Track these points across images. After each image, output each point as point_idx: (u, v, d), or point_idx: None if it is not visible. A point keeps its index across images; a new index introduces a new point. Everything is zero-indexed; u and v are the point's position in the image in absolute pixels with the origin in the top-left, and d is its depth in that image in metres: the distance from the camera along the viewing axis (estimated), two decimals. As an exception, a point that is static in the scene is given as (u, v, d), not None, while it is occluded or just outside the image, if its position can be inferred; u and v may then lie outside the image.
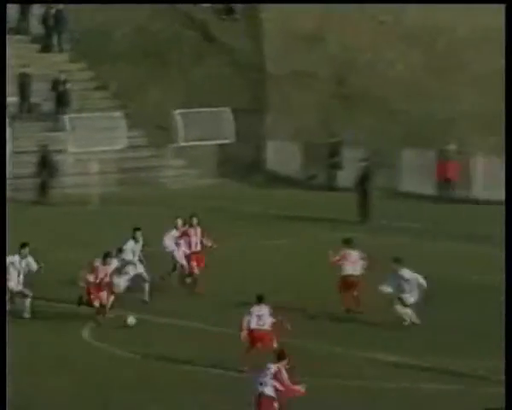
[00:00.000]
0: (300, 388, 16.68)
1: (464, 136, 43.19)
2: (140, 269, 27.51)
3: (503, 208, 38.81)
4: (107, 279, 25.94)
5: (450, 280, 28.94)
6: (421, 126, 44.14)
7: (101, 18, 49.36)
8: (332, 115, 45.69)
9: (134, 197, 40.35)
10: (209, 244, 28.60)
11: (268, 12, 48.06)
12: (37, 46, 46.08)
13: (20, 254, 24.84)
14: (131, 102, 45.56)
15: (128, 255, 27.61)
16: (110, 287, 26.16)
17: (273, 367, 16.67)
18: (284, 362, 16.81)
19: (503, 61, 45.56)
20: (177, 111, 44.02)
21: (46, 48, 45.19)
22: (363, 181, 38.49)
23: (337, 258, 25.72)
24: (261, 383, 16.80)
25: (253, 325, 21.61)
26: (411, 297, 22.78)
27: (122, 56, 47.37)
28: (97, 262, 26.02)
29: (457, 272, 30.06)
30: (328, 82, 46.77)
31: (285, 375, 16.73)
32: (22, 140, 41.29)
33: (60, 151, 41.16)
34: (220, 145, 44.47)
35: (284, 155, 46.08)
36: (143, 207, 38.54)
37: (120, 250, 26.88)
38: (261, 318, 22.15)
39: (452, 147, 42.18)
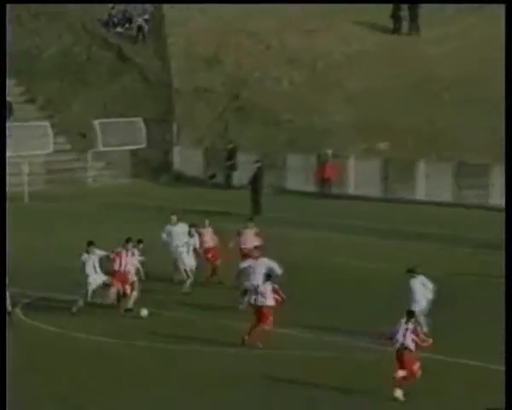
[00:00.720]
0: (430, 341, 18.41)
1: (339, 143, 44.35)
2: (192, 261, 27.48)
3: (374, 204, 41.67)
4: (128, 267, 24.96)
5: (322, 264, 31.21)
6: (303, 134, 45.30)
7: (31, 41, 50.70)
8: (228, 125, 47.66)
9: (60, 194, 42.63)
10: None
11: (173, 37, 50.18)
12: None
13: None
14: (57, 113, 48.18)
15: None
16: (130, 276, 24.96)
17: (410, 324, 18.09)
18: (413, 319, 18.40)
19: (374, 80, 47.04)
20: (97, 121, 45.82)
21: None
22: (256, 180, 40.85)
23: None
24: (402, 338, 18.07)
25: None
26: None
27: (49, 74, 49.68)
28: (120, 249, 25.07)
29: (331, 257, 32.15)
30: (225, 97, 48.40)
31: (419, 330, 18.72)
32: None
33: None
34: (134, 150, 46.60)
35: (189, 159, 47.39)
36: (68, 202, 41.07)
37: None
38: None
39: (329, 151, 44.05)
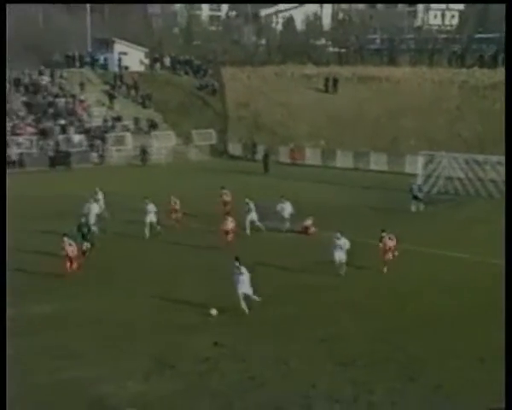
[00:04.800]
0: None
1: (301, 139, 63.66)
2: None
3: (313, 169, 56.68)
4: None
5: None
6: (285, 138, 64.34)
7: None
8: (252, 133, 67.03)
9: (181, 164, 60.93)
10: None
11: (229, 90, 72.59)
12: None
13: None
14: (176, 127, 67.45)
15: None
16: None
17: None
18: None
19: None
20: (194, 131, 65.60)
21: None
22: (265, 157, 58.99)
23: None
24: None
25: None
26: None
27: (173, 110, 69.39)
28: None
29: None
30: (252, 121, 68.41)
31: None
32: None
33: None
34: (211, 143, 66.51)
35: (235, 148, 67.41)
36: (184, 168, 59.11)
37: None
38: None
39: (294, 144, 62.16)
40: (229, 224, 31.30)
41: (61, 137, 63.47)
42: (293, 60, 79.01)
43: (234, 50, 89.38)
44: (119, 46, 79.88)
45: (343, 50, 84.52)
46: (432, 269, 29.38)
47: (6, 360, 14.90)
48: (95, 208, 33.75)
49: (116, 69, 76.62)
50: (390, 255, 27.91)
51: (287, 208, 35.09)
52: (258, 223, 35.36)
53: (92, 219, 33.20)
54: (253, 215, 34.90)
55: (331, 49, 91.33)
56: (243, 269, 22.88)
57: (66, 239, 27.51)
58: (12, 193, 33.59)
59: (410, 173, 48.20)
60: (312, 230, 35.41)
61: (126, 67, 77.28)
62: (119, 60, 77.60)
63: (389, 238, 28.08)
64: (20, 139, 61.61)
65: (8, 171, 55.90)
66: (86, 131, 65.30)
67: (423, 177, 45.59)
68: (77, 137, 64.03)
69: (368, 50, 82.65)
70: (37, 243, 33.02)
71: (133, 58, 78.90)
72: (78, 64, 76.97)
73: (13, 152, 60.33)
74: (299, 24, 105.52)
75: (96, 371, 19.50)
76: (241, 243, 31.36)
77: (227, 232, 31.07)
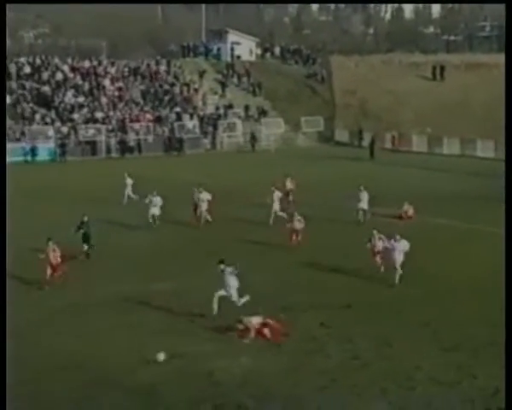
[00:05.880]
0: None
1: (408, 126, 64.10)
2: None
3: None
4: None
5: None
6: (387, 125, 64.27)
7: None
8: (358, 120, 66.90)
9: (290, 149, 63.74)
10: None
11: (336, 79, 73.13)
12: None
13: None
14: (285, 114, 68.09)
15: None
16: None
17: None
18: None
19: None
20: (303, 118, 65.94)
21: None
22: (372, 143, 59.82)
23: None
24: None
25: None
26: None
27: (283, 99, 70.25)
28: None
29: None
30: (359, 108, 69.12)
31: None
32: None
33: None
34: (318, 130, 69.77)
35: (341, 134, 67.93)
36: (296, 153, 64.06)
37: None
38: None
39: (396, 132, 62.14)
40: (298, 224, 29.51)
41: (175, 124, 64.57)
42: (401, 48, 77.86)
43: (342, 39, 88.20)
44: (232, 36, 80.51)
45: (452, 38, 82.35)
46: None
47: (6, 360, 14.15)
48: (158, 201, 33.47)
49: (228, 59, 77.44)
50: (378, 258, 25.87)
51: (364, 198, 34.60)
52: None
53: (156, 211, 33.17)
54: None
55: (440, 37, 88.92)
56: (228, 270, 21.22)
57: (50, 244, 24.41)
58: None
59: (518, 161, 46.95)
60: (409, 214, 35.04)
61: (238, 57, 77.99)
62: (232, 50, 78.40)
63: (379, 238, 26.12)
64: (138, 126, 63.04)
65: (126, 156, 59.28)
66: (199, 119, 66.28)
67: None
68: (190, 124, 65.11)
69: (477, 38, 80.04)
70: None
71: (245, 48, 79.58)
72: (192, 54, 78.25)
73: (130, 138, 61.90)
74: (408, 12, 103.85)
75: (210, 347, 19.74)
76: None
77: (295, 232, 29.30)
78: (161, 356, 18.01)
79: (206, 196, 33.58)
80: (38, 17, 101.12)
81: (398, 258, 24.57)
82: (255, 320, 19.64)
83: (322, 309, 22.52)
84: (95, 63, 69.89)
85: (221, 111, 68.44)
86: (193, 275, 26.29)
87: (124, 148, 60.97)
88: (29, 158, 57.52)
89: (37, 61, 67.90)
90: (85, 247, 27.63)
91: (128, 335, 20.48)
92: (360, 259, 26.26)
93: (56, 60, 68.79)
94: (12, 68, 65.58)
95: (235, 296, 21.32)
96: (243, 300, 21.26)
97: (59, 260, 24.18)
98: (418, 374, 17.96)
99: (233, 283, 21.07)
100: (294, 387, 17.42)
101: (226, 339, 19.94)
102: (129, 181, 38.15)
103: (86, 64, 69.19)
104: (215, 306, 21.26)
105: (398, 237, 24.89)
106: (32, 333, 20.69)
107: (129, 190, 37.90)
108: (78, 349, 19.43)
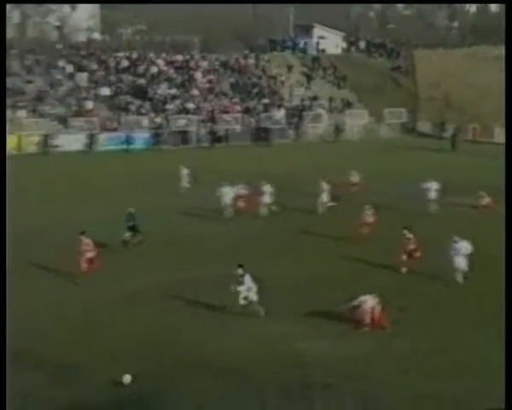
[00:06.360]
0: None
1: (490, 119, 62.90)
2: None
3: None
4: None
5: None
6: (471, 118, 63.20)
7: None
8: (441, 112, 65.32)
9: (372, 140, 63.96)
10: None
11: (419, 73, 73.36)
12: None
13: None
14: (369, 107, 67.75)
15: None
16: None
17: None
18: None
19: None
20: (386, 109, 65.63)
21: None
22: (454, 135, 59.55)
23: None
24: None
25: None
26: None
27: (368, 91, 69.85)
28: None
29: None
30: (442, 101, 67.03)
31: None
32: None
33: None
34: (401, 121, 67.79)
35: (423, 125, 66.52)
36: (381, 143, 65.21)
37: None
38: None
39: (477, 124, 66.25)
40: (369, 218, 28.60)
41: (263, 115, 64.96)
42: (486, 41, 75.84)
43: (427, 33, 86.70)
44: (318, 31, 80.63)
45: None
46: None
47: (6, 360, 13.81)
48: (229, 192, 33.18)
49: (314, 52, 77.50)
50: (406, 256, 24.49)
51: (434, 188, 34.13)
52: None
53: (227, 201, 32.86)
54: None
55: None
56: (247, 278, 20.48)
57: (83, 238, 23.83)
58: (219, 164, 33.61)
59: None
60: (484, 203, 34.69)
61: (323, 50, 77.94)
62: (318, 44, 78.48)
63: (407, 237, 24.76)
64: (227, 117, 63.67)
65: (215, 145, 59.96)
66: (286, 110, 66.38)
67: None
68: (277, 115, 65.30)
69: None
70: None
71: (330, 42, 79.51)
72: (280, 48, 78.59)
73: (220, 128, 62.51)
74: (494, 6, 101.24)
75: (299, 329, 19.87)
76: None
77: (366, 225, 28.27)
78: (127, 378, 16.50)
79: (268, 188, 33.78)
80: (136, 16, 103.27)
81: (460, 261, 23.19)
82: (370, 301, 19.26)
83: (399, 296, 22.27)
84: (187, 57, 71.05)
85: (306, 103, 68.56)
86: (274, 260, 26.31)
87: (213, 137, 61.58)
88: (125, 146, 58.51)
89: (134, 55, 69.50)
90: (129, 235, 27.64)
91: (216, 318, 20.55)
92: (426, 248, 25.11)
93: (152, 54, 70.23)
94: (111, 63, 67.57)
95: (255, 298, 20.74)
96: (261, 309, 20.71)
97: (93, 252, 23.79)
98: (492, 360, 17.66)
99: (252, 285, 20.50)
100: (378, 369, 17.42)
101: (315, 322, 19.94)
102: (185, 171, 38.46)
103: (179, 58, 70.47)
104: (242, 302, 20.56)
105: (456, 238, 23.47)
106: (108, 316, 20.85)
107: (185, 181, 38.21)
108: (159, 335, 19.50)
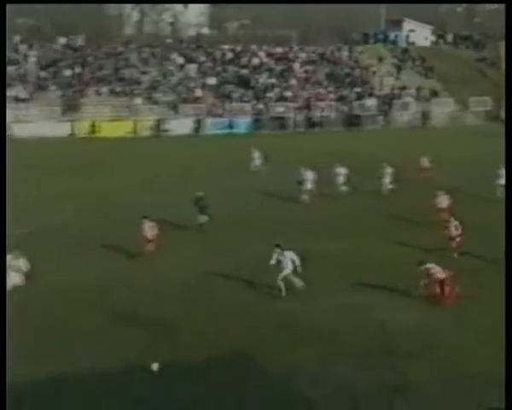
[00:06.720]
0: None
1: None
2: None
3: None
4: None
5: None
6: None
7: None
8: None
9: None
10: None
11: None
12: None
13: None
14: (453, 95, 65.59)
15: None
16: None
17: None
18: None
19: None
20: (472, 98, 62.72)
21: None
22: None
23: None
24: None
25: None
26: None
27: (450, 81, 67.07)
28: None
29: None
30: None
31: None
32: None
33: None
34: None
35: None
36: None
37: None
38: None
39: None
40: (444, 201, 27.30)
41: (355, 102, 64.39)
42: None
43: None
44: (408, 24, 79.58)
45: None
46: None
47: (6, 360, 13.17)
48: (310, 175, 32.24)
49: (404, 45, 76.31)
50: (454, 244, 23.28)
51: (503, 174, 31.77)
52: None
53: (308, 185, 31.90)
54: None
55: None
56: (286, 254, 19.66)
57: (145, 221, 23.30)
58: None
59: None
60: None
61: (413, 43, 76.68)
62: (407, 36, 77.67)
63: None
64: (322, 104, 63.41)
65: (309, 130, 59.80)
66: (377, 98, 65.74)
67: None
68: (368, 103, 64.54)
69: None
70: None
71: (419, 35, 78.21)
72: (372, 41, 78.02)
73: (315, 115, 62.41)
74: None
75: (383, 299, 19.62)
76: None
77: (442, 210, 26.83)
78: (155, 366, 15.59)
79: (343, 170, 33.48)
80: (241, 11, 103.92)
81: None
82: (439, 273, 18.75)
83: (473, 272, 21.49)
84: (286, 49, 71.05)
85: (396, 92, 67.56)
86: (362, 236, 26.04)
87: (309, 123, 61.41)
88: (228, 130, 58.92)
89: (238, 48, 69.98)
90: (202, 219, 26.32)
91: (307, 292, 20.42)
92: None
93: (254, 47, 70.53)
94: (217, 55, 68.04)
95: (293, 276, 20.07)
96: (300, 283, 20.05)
97: (154, 233, 23.38)
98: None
99: (290, 264, 19.79)
100: (457, 338, 17.06)
101: (398, 293, 19.62)
102: (256, 155, 37.83)
103: (279, 50, 70.48)
104: (283, 288, 19.83)
105: None
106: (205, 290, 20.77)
107: (256, 163, 37.56)
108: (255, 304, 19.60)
